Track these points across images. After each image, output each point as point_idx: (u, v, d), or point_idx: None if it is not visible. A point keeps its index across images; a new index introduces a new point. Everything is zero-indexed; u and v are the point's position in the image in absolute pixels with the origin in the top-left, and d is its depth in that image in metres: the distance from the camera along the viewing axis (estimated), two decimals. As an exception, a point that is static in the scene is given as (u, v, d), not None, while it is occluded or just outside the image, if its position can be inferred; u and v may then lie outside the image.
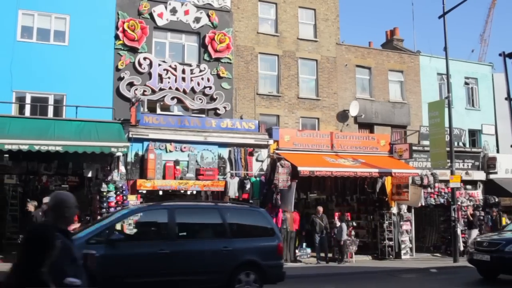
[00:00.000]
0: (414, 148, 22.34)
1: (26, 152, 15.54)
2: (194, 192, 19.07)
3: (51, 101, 19.90)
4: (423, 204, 21.76)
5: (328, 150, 20.91)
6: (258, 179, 19.14)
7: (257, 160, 19.61)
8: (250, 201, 18.99)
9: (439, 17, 20.97)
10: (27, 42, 19.91)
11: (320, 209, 19.58)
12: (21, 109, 19.55)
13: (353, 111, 24.42)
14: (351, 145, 21.51)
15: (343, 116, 24.79)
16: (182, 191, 18.78)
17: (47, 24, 20.44)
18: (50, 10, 20.41)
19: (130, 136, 17.60)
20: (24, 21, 20.11)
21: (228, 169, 19.14)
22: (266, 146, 19.84)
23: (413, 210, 21.99)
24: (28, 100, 19.57)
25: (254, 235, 11.81)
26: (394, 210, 21.35)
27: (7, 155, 16.54)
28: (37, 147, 15.38)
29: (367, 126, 25.46)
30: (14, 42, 19.62)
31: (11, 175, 18.60)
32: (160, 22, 21.74)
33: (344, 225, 19.23)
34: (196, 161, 18.63)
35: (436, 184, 22.12)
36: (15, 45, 19.54)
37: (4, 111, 17.99)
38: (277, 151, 19.79)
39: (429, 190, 22.01)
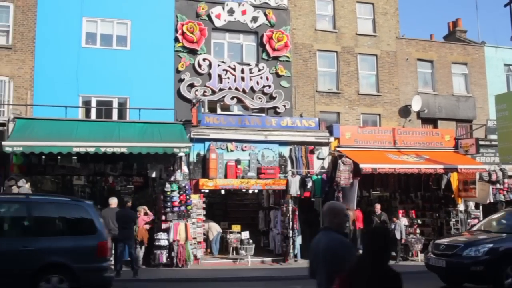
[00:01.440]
0: (480, 142, 21.53)
1: (93, 154, 16.06)
2: (256, 191, 19.20)
3: (115, 104, 20.48)
4: (492, 200, 20.96)
5: (391, 146, 20.49)
6: (319, 177, 18.98)
7: (318, 158, 19.46)
8: (312, 199, 18.88)
9: (505, 6, 20.14)
10: (92, 48, 20.57)
11: (378, 206, 19.11)
12: (87, 112, 20.22)
13: (416, 106, 23.82)
14: (414, 141, 20.98)
15: (405, 111, 24.23)
16: (243, 190, 18.92)
17: (109, 30, 21.05)
18: (112, 16, 21.00)
19: (192, 136, 17.85)
20: (88, 27, 20.78)
21: (289, 167, 19.09)
22: (327, 144, 19.65)
23: (481, 207, 21.23)
24: (93, 104, 20.23)
25: (67, 233, 10.41)
26: (461, 207, 20.68)
27: (75, 157, 17.15)
28: (103, 149, 15.85)
29: (430, 121, 24.77)
30: (80, 48, 20.33)
31: (80, 177, 19.22)
32: (218, 23, 21.94)
33: (400, 223, 18.46)
34: (257, 160, 18.69)
35: (506, 180, 21.27)
36: (80, 51, 20.25)
37: (71, 115, 18.65)
38: (338, 149, 19.57)
39: (498, 186, 21.17)
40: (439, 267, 12.22)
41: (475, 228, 14.33)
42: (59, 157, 16.87)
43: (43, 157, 16.82)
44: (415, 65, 25.11)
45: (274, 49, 22.22)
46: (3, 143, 15.63)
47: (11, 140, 15.77)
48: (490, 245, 11.60)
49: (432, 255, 12.58)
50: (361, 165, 18.34)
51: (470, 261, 11.41)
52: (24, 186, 16.13)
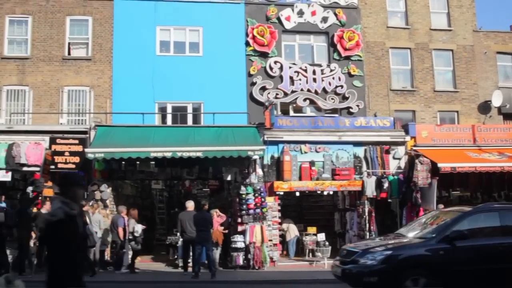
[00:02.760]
0: None
1: (170, 158, 16.50)
2: (331, 193, 19.01)
3: (190, 109, 20.92)
4: None
5: (470, 144, 19.70)
6: (396, 177, 18.54)
7: (394, 158, 19.01)
8: (389, 200, 18.50)
9: None
10: (166, 56, 21.14)
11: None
12: (163, 118, 20.77)
13: (496, 101, 22.78)
14: (496, 138, 20.07)
15: (485, 107, 23.24)
16: (318, 192, 18.78)
17: (182, 37, 21.55)
18: (185, 23, 21.49)
19: (266, 139, 17.93)
20: (162, 36, 21.38)
21: (364, 168, 18.78)
22: (402, 143, 19.17)
23: None
24: (169, 110, 20.77)
25: None
26: (549, 206, 19.54)
27: (153, 162, 17.64)
28: (179, 154, 16.23)
29: (512, 116, 23.65)
30: (154, 56, 20.95)
31: (157, 181, 19.80)
32: (288, 25, 21.95)
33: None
34: (332, 161, 18.50)
35: None
36: (155, 59, 20.87)
37: (148, 122, 19.28)
38: (414, 148, 19.04)
39: None
40: (336, 276, 10.61)
41: (399, 230, 12.47)
42: (138, 162, 17.43)
43: (123, 162, 17.43)
44: (494, 59, 24.04)
45: (345, 49, 21.96)
46: (86, 150, 16.37)
47: (93, 147, 16.47)
48: (389, 252, 9.77)
49: (335, 262, 10.96)
50: (439, 165, 17.75)
51: (365, 271, 9.65)
52: (106, 191, 16.82)
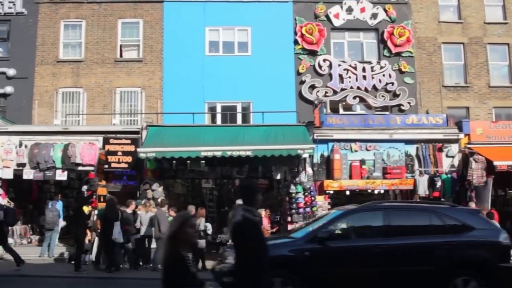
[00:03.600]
0: None
1: (220, 157, 16.61)
2: (382, 191, 18.67)
3: (239, 109, 21.04)
4: None
5: (528, 141, 19.01)
6: (449, 175, 18.06)
7: (447, 156, 18.52)
8: (442, 199, 18.05)
9: None
10: (215, 56, 21.34)
11: None
12: (213, 118, 20.97)
13: (556, 96, 21.91)
14: (555, 134, 19.28)
15: (543, 102, 22.37)
16: (369, 191, 18.51)
17: (231, 37, 21.69)
18: (233, 23, 21.62)
19: (315, 137, 17.80)
20: (211, 36, 21.59)
21: (416, 166, 18.38)
22: (456, 141, 18.65)
23: None
24: (218, 109, 20.95)
25: None
26: None
27: (203, 161, 17.81)
28: (229, 153, 16.34)
29: None
30: (204, 57, 21.19)
31: (208, 180, 19.99)
32: (336, 22, 21.75)
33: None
34: (383, 159, 18.20)
35: None
36: (204, 59, 21.10)
37: (198, 121, 19.51)
38: (468, 146, 18.49)
39: None
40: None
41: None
42: (188, 161, 17.63)
43: (174, 162, 17.66)
44: (553, 52, 23.10)
45: (395, 45, 21.57)
46: (138, 150, 16.70)
47: (145, 147, 16.78)
48: None
49: None
50: (495, 163, 17.17)
51: (225, 270, 9.03)
52: (158, 190, 17.09)
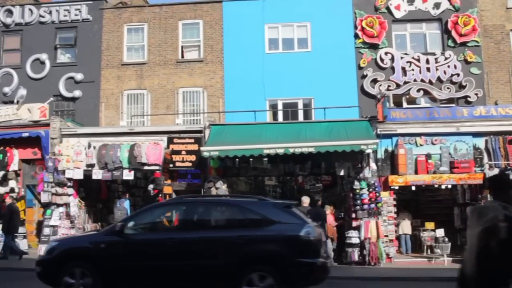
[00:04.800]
0: None
1: (282, 155, 16.60)
2: (449, 186, 18.16)
3: (300, 105, 20.95)
4: None
5: None
6: (522, 168, 17.33)
7: (520, 148, 17.78)
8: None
9: None
10: (275, 53, 21.35)
11: None
12: (275, 115, 20.99)
13: None
14: None
15: None
16: (436, 186, 18.04)
17: (290, 34, 21.63)
18: (292, 20, 21.56)
19: (378, 132, 17.53)
20: (270, 34, 21.61)
21: (485, 160, 17.72)
22: (529, 132, 17.87)
23: None
24: (280, 106, 20.94)
25: None
26: None
27: (266, 159, 17.86)
28: (291, 150, 16.30)
29: None
30: (264, 54, 21.23)
31: (270, 177, 20.02)
32: (398, 14, 21.27)
33: None
34: (449, 153, 17.68)
35: None
36: (264, 57, 21.14)
37: (260, 119, 19.57)
38: (542, 137, 17.70)
39: None
40: None
41: None
42: (251, 159, 17.71)
43: (237, 160, 17.80)
44: None
45: (460, 35, 20.85)
46: (201, 148, 16.95)
47: (208, 146, 17.00)
48: (55, 244, 9.84)
49: None
50: None
51: (37, 260, 9.81)
52: (221, 188, 17.26)
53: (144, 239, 9.45)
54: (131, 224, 9.52)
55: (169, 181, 18.04)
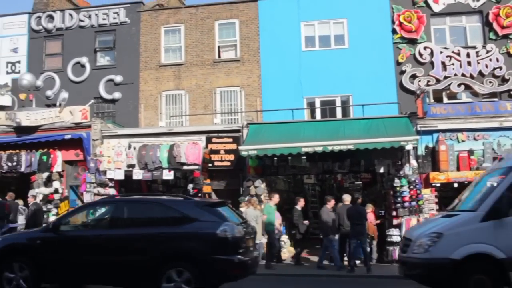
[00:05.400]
0: None
1: (321, 153, 16.55)
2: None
3: (338, 103, 20.78)
4: None
5: None
6: None
7: None
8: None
9: None
10: (311, 51, 21.24)
11: None
12: (312, 113, 20.88)
13: None
14: None
15: None
16: (479, 182, 17.63)
17: (326, 31, 21.48)
18: (328, 17, 21.39)
19: (418, 129, 17.30)
20: (306, 31, 21.50)
21: (531, 155, 17.24)
22: None
23: None
24: (317, 104, 20.83)
25: None
26: None
27: (304, 157, 17.81)
28: (330, 148, 16.24)
29: None
30: (300, 52, 21.15)
31: (309, 175, 20.00)
32: (436, 8, 20.85)
33: None
34: (493, 149, 17.27)
35: None
36: (301, 55, 21.06)
37: (297, 117, 19.58)
38: None
39: None
40: None
41: None
42: (289, 157, 17.68)
43: (275, 158, 17.79)
44: None
45: (502, 27, 20.29)
46: (240, 147, 17.05)
47: (246, 145, 17.08)
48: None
49: None
50: None
51: None
52: (260, 187, 17.32)
53: (75, 235, 9.95)
54: (65, 221, 10.28)
55: (208, 181, 18.19)
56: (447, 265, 8.50)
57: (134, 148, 18.72)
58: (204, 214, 9.33)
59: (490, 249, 8.45)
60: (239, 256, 9.08)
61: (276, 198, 15.74)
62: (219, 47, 22.24)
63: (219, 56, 22.15)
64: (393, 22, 20.76)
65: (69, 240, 9.71)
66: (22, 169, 19.32)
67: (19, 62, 23.82)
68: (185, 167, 18.33)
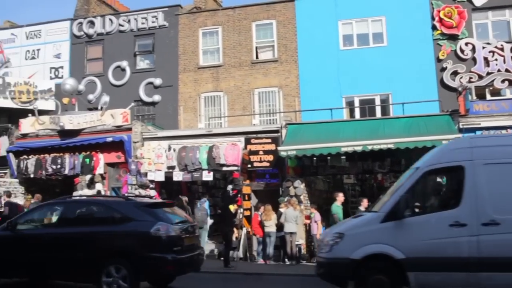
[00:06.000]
0: None
1: (360, 152, 16.39)
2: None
3: (377, 101, 20.54)
4: None
5: None
6: None
7: None
8: None
9: None
10: (349, 50, 21.06)
11: None
12: (351, 112, 20.69)
13: None
14: None
15: None
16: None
17: (364, 29, 21.26)
18: (366, 15, 21.17)
19: (461, 126, 16.96)
20: (344, 30, 21.33)
21: None
22: None
23: None
24: (356, 103, 20.65)
25: None
26: None
27: (344, 157, 17.67)
28: (370, 147, 16.09)
29: None
30: (338, 51, 21.01)
31: (349, 175, 19.78)
32: (478, 2, 20.34)
33: None
34: (539, 146, 16.74)
35: None
36: (339, 54, 20.91)
37: (336, 117, 19.41)
38: None
39: None
40: None
41: None
42: (328, 157, 17.57)
43: (314, 158, 17.72)
44: None
45: (548, 20, 19.72)
46: (279, 148, 17.05)
47: (285, 145, 17.07)
48: None
49: None
50: None
51: None
52: (300, 187, 17.26)
53: (29, 234, 10.59)
54: (22, 220, 10.91)
55: (247, 181, 18.24)
56: (347, 265, 8.59)
57: (174, 150, 18.92)
58: (141, 214, 9.89)
59: (389, 249, 8.50)
60: (174, 254, 9.58)
61: (341, 196, 15.45)
62: (256, 48, 22.29)
63: (257, 57, 22.20)
64: (433, 18, 20.38)
65: (23, 238, 10.41)
66: (66, 172, 19.84)
67: (62, 67, 24.48)
68: (224, 168, 18.43)
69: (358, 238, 8.77)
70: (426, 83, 19.71)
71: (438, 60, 20.06)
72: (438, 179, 10.54)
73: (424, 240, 8.42)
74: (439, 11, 20.23)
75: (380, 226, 8.70)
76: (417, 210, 9.08)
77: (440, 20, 20.18)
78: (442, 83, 19.77)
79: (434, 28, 20.35)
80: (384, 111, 20.33)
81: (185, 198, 17.78)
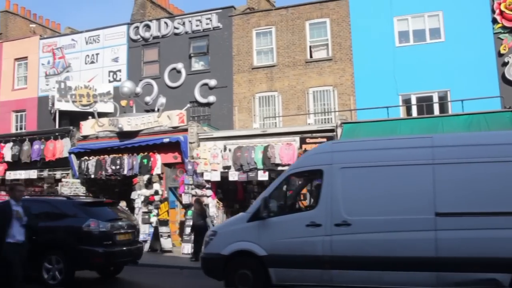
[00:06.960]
0: None
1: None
2: None
3: (435, 98, 20.05)
4: None
5: None
6: None
7: None
8: None
9: None
10: (405, 46, 20.66)
11: None
12: (408, 110, 20.29)
13: None
14: None
15: None
16: None
17: (421, 25, 20.78)
18: (422, 10, 20.70)
19: (524, 122, 16.28)
20: (400, 26, 20.94)
21: None
22: None
23: None
24: (413, 101, 20.23)
25: None
26: None
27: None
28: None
29: None
30: (394, 48, 20.64)
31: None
32: (542, -6, 19.58)
33: None
34: None
35: None
36: (395, 51, 20.54)
37: (393, 115, 19.13)
38: None
39: None
40: None
41: None
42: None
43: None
44: None
45: None
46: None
47: (341, 144, 16.84)
48: None
49: None
50: None
51: None
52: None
53: None
54: None
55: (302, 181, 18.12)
56: (218, 260, 9.61)
57: (230, 150, 19.09)
58: (77, 211, 11.48)
59: (253, 246, 9.40)
60: (104, 248, 11.13)
61: None
62: (310, 47, 22.20)
63: (311, 56, 22.10)
64: (493, 11, 19.72)
65: None
66: (125, 172, 20.33)
67: (119, 70, 25.14)
68: (279, 168, 18.39)
69: (228, 235, 9.78)
70: (486, 79, 19.10)
71: (499, 55, 19.39)
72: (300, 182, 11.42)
73: (283, 239, 9.21)
74: (499, 4, 19.55)
75: (246, 225, 9.61)
76: (279, 210, 9.70)
77: (501, 13, 19.49)
78: (504, 78, 19.09)
79: (494, 21, 19.68)
80: (443, 108, 19.83)
81: (202, 200, 18.15)
